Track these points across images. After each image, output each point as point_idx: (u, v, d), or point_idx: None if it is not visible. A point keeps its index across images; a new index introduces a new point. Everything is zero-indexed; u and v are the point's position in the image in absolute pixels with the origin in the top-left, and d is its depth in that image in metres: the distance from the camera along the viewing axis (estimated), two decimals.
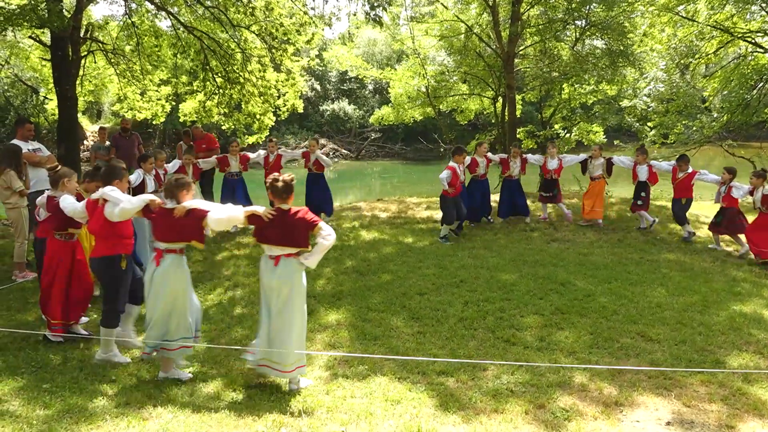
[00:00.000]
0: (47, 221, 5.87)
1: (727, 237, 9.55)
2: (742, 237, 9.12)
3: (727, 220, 9.17)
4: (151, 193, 7.71)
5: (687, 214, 9.96)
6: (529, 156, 11.09)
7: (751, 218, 9.13)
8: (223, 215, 4.75)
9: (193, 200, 4.89)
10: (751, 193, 8.85)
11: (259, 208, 4.75)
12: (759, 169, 9.06)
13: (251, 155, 10.45)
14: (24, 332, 5.93)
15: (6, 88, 23.73)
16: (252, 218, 4.72)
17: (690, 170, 9.77)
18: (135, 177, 8.08)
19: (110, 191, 5.05)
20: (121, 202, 4.91)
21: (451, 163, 9.64)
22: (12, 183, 7.66)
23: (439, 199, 9.99)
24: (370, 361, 5.28)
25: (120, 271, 5.25)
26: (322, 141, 35.00)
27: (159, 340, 4.84)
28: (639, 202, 10.36)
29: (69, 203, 5.53)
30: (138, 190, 7.84)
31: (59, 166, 5.88)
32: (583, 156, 10.90)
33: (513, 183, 10.89)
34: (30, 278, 7.80)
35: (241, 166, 10.24)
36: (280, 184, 4.69)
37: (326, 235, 4.62)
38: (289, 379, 4.75)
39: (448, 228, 9.76)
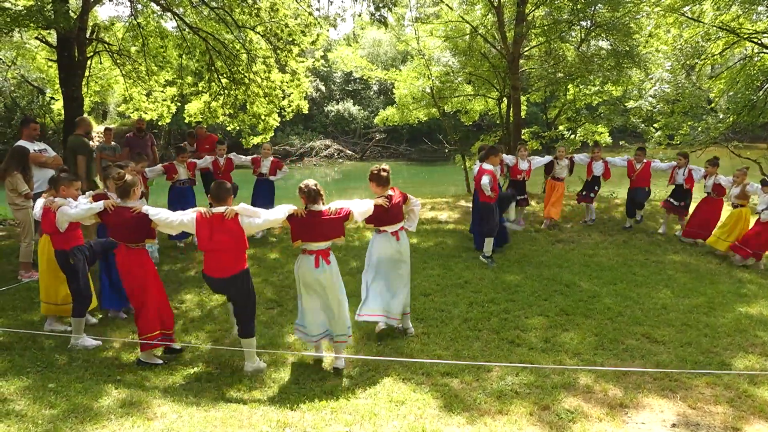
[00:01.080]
0: (114, 233, 5.37)
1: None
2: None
3: (688, 201, 10.07)
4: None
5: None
6: (503, 156, 10.84)
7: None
8: (363, 209, 5.38)
9: (335, 201, 5.31)
10: (705, 177, 9.61)
11: (378, 200, 5.58)
12: (712, 158, 9.68)
13: (198, 162, 9.82)
14: (30, 332, 5.95)
15: (12, 88, 23.83)
16: (377, 207, 5.51)
17: (645, 161, 10.35)
18: None
19: (244, 205, 5.02)
20: (261, 215, 5.00)
21: (487, 166, 8.42)
22: (18, 186, 7.69)
23: (474, 207, 8.72)
24: (374, 361, 5.28)
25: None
26: (327, 142, 35.04)
27: (333, 331, 5.24)
28: (591, 195, 10.87)
29: (172, 215, 5.12)
30: None
31: (126, 176, 5.39)
32: (548, 158, 10.91)
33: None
34: (36, 278, 7.83)
35: (189, 173, 9.65)
36: (384, 173, 5.67)
37: (416, 202, 5.97)
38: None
39: (491, 243, 8.50)
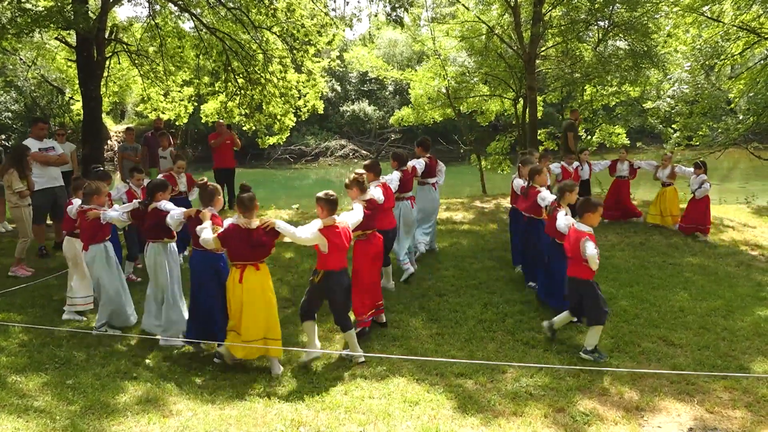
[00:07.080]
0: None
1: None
2: None
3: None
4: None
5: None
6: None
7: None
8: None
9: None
10: (616, 162, 10.81)
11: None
12: (622, 148, 11.24)
13: (112, 193, 8.29)
14: (48, 328, 6.02)
15: (33, 88, 24.10)
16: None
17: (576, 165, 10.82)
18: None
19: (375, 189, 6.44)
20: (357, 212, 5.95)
21: (586, 228, 5.45)
22: (13, 183, 7.82)
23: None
24: (388, 361, 5.29)
25: None
26: (342, 142, 35.09)
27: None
28: None
29: (350, 216, 5.66)
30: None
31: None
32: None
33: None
34: (24, 275, 7.82)
35: None
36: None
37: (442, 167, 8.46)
38: None
39: (598, 332, 5.45)
